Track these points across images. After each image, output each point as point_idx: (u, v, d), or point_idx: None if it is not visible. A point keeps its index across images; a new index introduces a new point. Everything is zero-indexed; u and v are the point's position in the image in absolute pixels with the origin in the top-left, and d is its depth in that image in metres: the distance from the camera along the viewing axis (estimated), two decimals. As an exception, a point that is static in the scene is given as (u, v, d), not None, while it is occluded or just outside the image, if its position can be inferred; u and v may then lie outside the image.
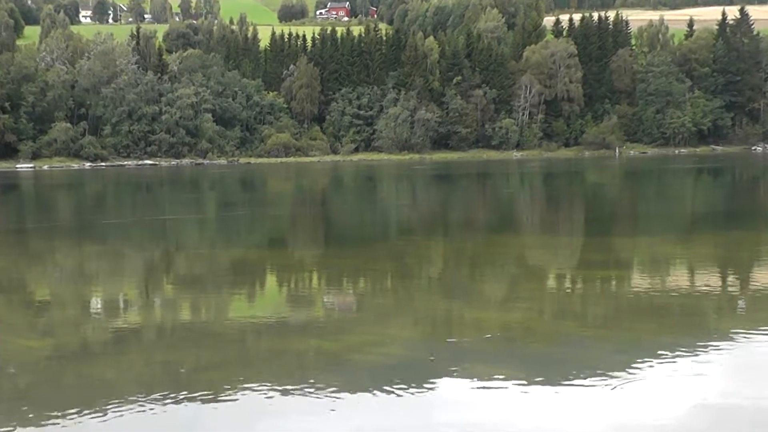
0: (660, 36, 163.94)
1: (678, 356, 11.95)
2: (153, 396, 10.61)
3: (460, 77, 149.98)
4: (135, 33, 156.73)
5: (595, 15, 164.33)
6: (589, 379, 10.98)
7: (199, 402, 10.39)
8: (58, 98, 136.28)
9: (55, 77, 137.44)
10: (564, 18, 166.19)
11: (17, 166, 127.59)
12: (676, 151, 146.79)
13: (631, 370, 11.33)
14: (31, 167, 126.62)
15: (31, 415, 10.05)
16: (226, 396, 10.61)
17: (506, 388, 10.72)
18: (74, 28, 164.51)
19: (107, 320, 15.78)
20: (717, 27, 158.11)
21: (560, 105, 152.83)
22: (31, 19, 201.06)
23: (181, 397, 10.57)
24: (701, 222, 33.11)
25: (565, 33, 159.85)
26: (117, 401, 10.39)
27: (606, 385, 10.77)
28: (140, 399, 10.48)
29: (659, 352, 12.21)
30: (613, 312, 15.73)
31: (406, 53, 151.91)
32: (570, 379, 10.96)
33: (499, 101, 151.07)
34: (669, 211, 37.94)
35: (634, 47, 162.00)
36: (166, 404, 10.31)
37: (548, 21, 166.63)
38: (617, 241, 27.16)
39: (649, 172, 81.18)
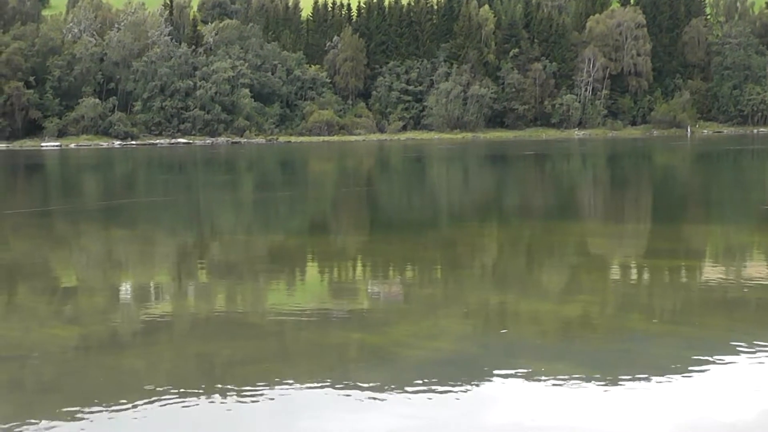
0: (738, 4, 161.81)
1: (753, 353, 11.84)
2: (185, 390, 10.71)
3: (517, 49, 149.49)
4: (168, 2, 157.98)
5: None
6: (655, 376, 10.91)
7: (234, 397, 10.48)
8: (85, 72, 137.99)
9: (83, 50, 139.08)
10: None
11: (42, 144, 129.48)
12: (755, 131, 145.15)
13: (701, 368, 11.24)
14: (57, 146, 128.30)
15: (55, 408, 10.20)
16: (263, 391, 10.69)
17: (564, 385, 10.69)
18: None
19: (137, 309, 15.97)
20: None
21: (627, 80, 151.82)
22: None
23: (216, 392, 10.67)
24: (781, 208, 32.67)
25: (632, 1, 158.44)
26: (146, 395, 10.51)
27: (673, 383, 10.70)
28: (171, 393, 10.59)
29: (732, 348, 12.10)
30: (683, 305, 15.61)
31: (459, 23, 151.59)
32: (634, 377, 10.90)
33: (559, 76, 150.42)
34: (746, 196, 37.49)
35: (708, 17, 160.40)
36: (199, 399, 10.41)
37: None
38: (688, 228, 26.92)
39: (725, 153, 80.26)
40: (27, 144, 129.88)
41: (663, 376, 10.96)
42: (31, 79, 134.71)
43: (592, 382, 10.78)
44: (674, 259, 20.64)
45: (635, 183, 48.24)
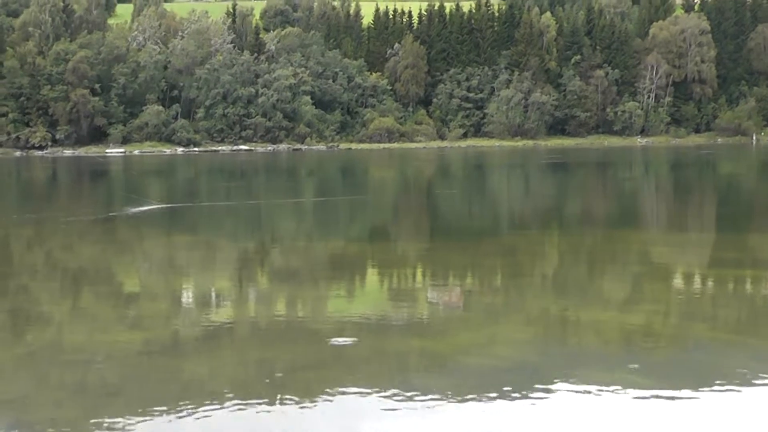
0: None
1: (821, 366, 11.63)
2: (246, 395, 10.79)
3: (579, 56, 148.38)
4: (231, 10, 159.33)
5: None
6: (720, 387, 10.76)
7: (294, 403, 10.53)
8: (149, 80, 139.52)
9: (147, 58, 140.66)
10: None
11: (107, 150, 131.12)
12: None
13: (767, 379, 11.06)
14: (121, 152, 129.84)
15: (119, 411, 10.33)
16: (322, 398, 10.73)
17: (625, 396, 10.58)
18: (167, 6, 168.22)
19: (198, 314, 16.11)
20: None
21: (690, 87, 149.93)
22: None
23: (276, 397, 10.72)
24: None
25: (696, 7, 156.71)
26: (208, 400, 10.60)
27: (739, 393, 10.54)
28: (233, 397, 10.67)
29: (799, 360, 11.90)
30: (749, 315, 15.37)
31: (521, 30, 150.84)
32: (698, 388, 10.76)
33: (622, 83, 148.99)
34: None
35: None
36: (260, 405, 10.48)
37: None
38: (753, 238, 26.52)
39: (791, 161, 78.98)
40: (92, 150, 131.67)
41: (728, 386, 10.81)
42: (97, 86, 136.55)
43: (655, 391, 10.66)
44: (740, 268, 20.35)
45: (699, 191, 47.65)
